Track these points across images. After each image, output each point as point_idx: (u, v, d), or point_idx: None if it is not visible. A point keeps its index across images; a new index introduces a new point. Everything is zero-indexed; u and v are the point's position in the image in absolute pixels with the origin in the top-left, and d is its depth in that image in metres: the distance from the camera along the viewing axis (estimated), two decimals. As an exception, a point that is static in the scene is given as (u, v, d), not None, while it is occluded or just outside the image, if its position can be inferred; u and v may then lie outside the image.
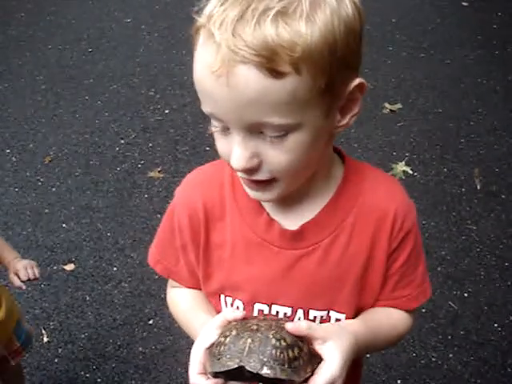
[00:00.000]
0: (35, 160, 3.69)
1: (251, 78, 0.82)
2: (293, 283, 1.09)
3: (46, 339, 2.66)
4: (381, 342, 1.16)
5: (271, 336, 0.93)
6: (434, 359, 2.56)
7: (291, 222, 1.07)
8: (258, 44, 0.81)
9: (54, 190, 3.47)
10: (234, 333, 0.95)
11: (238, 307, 1.14)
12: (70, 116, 4.05)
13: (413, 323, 1.20)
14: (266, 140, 0.90)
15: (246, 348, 0.93)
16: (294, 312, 1.11)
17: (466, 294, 2.81)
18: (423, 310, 2.71)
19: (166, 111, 3.97)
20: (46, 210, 3.33)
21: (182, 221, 1.14)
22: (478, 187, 3.38)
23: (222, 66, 0.83)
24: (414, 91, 4.14)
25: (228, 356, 0.93)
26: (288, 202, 1.06)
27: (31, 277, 1.99)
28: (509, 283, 2.86)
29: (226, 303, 1.16)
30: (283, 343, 0.93)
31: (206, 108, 0.92)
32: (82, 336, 2.68)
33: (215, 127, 0.94)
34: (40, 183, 3.52)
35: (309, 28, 0.82)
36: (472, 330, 2.66)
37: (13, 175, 3.60)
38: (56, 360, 2.60)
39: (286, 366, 0.92)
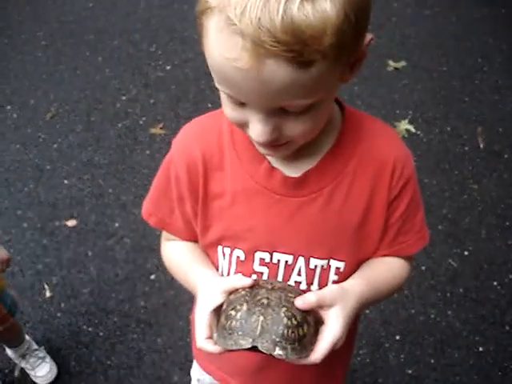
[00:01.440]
0: (36, 116, 3.67)
1: (280, 72, 0.77)
2: (294, 231, 1.09)
3: (48, 294, 2.69)
4: (382, 296, 1.17)
5: (283, 314, 0.94)
6: (432, 316, 2.58)
7: (292, 169, 1.07)
8: (288, 39, 0.73)
9: (55, 146, 3.46)
10: (244, 308, 0.95)
11: (238, 256, 1.14)
12: (71, 72, 4.01)
13: (411, 269, 1.22)
14: (287, 114, 0.87)
15: (259, 327, 0.93)
16: (295, 260, 1.12)
17: (466, 253, 2.82)
18: (423, 268, 2.73)
19: (168, 67, 3.93)
20: (48, 167, 3.33)
21: (179, 171, 1.13)
22: (481, 146, 3.36)
23: (248, 61, 0.76)
24: (418, 49, 4.09)
25: (240, 333, 0.94)
26: None
27: None
28: (509, 242, 2.88)
29: (223, 254, 1.16)
30: (294, 322, 0.94)
31: (224, 89, 0.87)
32: (85, 291, 2.71)
33: (230, 100, 0.90)
34: (41, 139, 3.51)
35: (334, 7, 0.75)
36: (471, 288, 2.69)
37: (14, 132, 3.58)
38: (58, 314, 2.63)
39: (297, 345, 0.94)
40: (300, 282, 1.14)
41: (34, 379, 2.38)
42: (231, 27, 0.75)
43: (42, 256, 2.86)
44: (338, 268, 1.13)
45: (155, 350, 2.48)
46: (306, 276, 1.13)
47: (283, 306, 0.95)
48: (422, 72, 3.89)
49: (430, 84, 3.80)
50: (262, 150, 1.00)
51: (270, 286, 1.00)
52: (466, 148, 3.36)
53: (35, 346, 2.40)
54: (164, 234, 1.28)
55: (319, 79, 0.80)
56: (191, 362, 1.63)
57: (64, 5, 4.67)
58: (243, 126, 0.93)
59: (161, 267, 2.72)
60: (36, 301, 2.67)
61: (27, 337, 2.37)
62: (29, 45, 4.29)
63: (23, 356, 2.35)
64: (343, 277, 1.13)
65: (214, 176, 1.10)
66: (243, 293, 0.98)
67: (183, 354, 2.44)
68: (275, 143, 0.92)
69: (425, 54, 4.04)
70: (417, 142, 3.35)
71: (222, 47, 0.78)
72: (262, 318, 0.94)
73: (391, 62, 3.91)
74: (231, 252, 1.14)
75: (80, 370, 2.44)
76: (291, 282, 1.14)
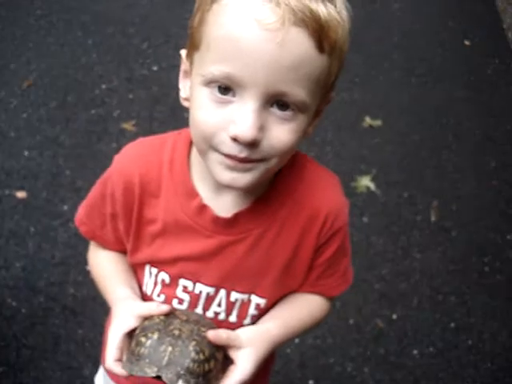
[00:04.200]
0: (13, 81, 3.63)
1: (302, 42, 0.83)
2: (219, 266, 1.12)
3: (-20, 259, 2.65)
4: (297, 335, 1.20)
5: (191, 348, 0.96)
6: (349, 369, 2.63)
7: (224, 208, 1.08)
8: (314, 14, 0.82)
9: (24, 115, 3.42)
10: (155, 336, 0.98)
11: (163, 280, 1.16)
12: (58, 47, 3.98)
13: (331, 309, 1.26)
14: (275, 116, 0.89)
15: (166, 357, 0.96)
16: (217, 291, 1.14)
17: (394, 316, 2.89)
18: (351, 321, 2.78)
19: (154, 68, 3.94)
20: (12, 134, 3.29)
21: (116, 190, 1.14)
22: (433, 219, 3.46)
23: (277, 22, 0.81)
24: (396, 112, 4.18)
25: (147, 361, 0.96)
26: (222, 188, 1.06)
27: None
28: (437, 316, 2.95)
29: (150, 273, 1.17)
30: (201, 357, 0.96)
31: (226, 68, 0.85)
32: (18, 265, 2.68)
33: (213, 95, 0.89)
34: (12, 106, 3.47)
35: (345, 16, 0.89)
36: (392, 351, 2.75)
37: (-14, 91, 3.54)
38: (-15, 282, 2.59)
39: (201, 379, 0.96)
40: (219, 313, 1.16)
41: None
42: None
43: (-17, 220, 2.82)
44: (258, 304, 1.16)
45: (73, 340, 2.46)
46: (226, 308, 1.16)
47: (193, 340, 0.97)
48: (394, 135, 3.99)
49: (399, 148, 3.89)
50: (223, 173, 0.94)
51: (185, 318, 1.03)
52: (418, 218, 3.45)
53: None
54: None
55: (322, 76, 0.88)
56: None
57: (68, -20, 4.65)
58: (221, 129, 0.90)
59: (99, 260, 2.70)
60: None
61: None
62: (23, 10, 4.25)
63: None
64: (263, 312, 1.17)
65: (149, 202, 1.11)
66: (157, 320, 1.01)
67: (99, 351, 2.40)
68: (252, 154, 0.91)
69: (402, 119, 4.14)
70: (373, 200, 3.42)
71: (248, 9, 0.83)
72: (170, 348, 0.96)
73: (368, 119, 4.00)
74: (157, 273, 1.16)
75: (-7, 341, 2.41)
76: (210, 312, 1.16)
